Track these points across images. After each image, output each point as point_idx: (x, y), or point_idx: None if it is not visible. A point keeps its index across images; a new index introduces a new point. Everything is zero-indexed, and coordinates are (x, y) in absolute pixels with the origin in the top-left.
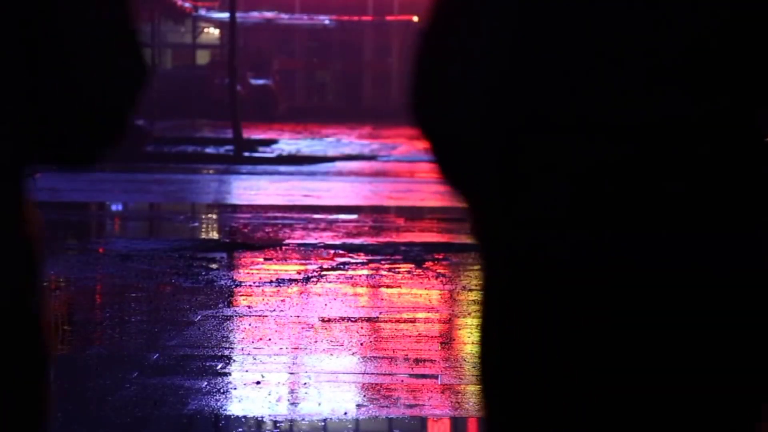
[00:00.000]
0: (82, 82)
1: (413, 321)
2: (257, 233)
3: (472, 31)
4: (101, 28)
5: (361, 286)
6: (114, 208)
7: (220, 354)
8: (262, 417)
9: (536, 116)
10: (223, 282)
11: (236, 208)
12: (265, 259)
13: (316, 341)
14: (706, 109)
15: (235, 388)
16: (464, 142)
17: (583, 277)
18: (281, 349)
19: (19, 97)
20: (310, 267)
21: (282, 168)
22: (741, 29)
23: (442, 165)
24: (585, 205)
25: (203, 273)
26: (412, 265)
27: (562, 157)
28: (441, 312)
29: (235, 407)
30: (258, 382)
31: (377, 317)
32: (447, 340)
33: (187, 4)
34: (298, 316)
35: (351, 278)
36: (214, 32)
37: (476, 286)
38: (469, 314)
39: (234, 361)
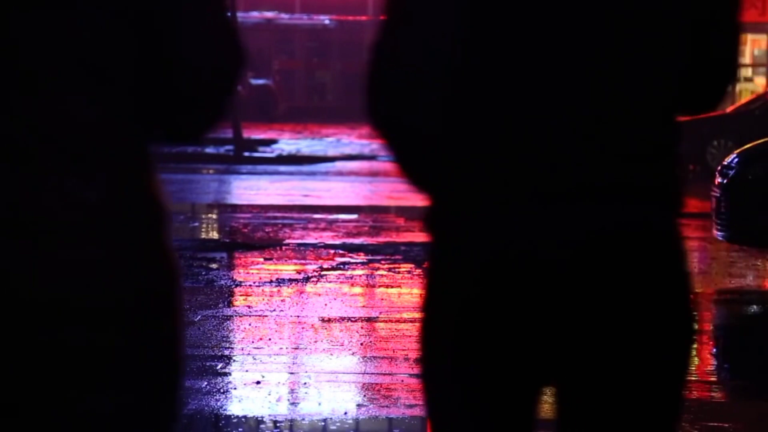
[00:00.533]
0: (189, 68)
1: (413, 321)
2: (257, 233)
3: (415, 39)
4: (204, 19)
5: (361, 286)
6: None
7: (220, 354)
8: (262, 417)
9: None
10: (223, 282)
11: (236, 208)
12: (265, 259)
13: (315, 341)
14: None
15: (235, 388)
16: (417, 136)
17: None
18: (281, 349)
19: (137, 85)
20: (310, 267)
21: (282, 168)
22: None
23: (400, 159)
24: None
25: (203, 273)
26: (412, 265)
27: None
28: None
29: (235, 407)
30: (258, 382)
31: (377, 317)
32: None
33: None
34: (298, 316)
35: (351, 278)
36: None
37: None
38: None
39: (234, 361)
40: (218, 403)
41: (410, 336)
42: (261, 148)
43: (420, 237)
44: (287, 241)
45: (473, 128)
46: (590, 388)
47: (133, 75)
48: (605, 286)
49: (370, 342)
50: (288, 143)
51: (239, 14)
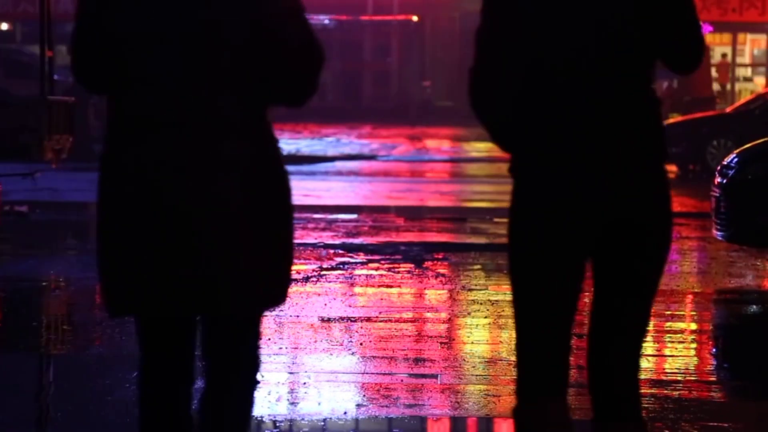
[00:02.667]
0: (295, 54)
1: (413, 321)
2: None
3: (498, 59)
4: (301, 19)
5: (361, 286)
6: None
7: None
8: (262, 417)
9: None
10: None
11: None
12: None
13: (315, 341)
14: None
15: None
16: (505, 120)
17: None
18: (281, 349)
19: (257, 67)
20: (309, 267)
21: None
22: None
23: (494, 135)
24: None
25: None
26: (412, 265)
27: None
28: (441, 312)
29: None
30: (258, 382)
31: (377, 317)
32: (447, 340)
33: None
34: (298, 316)
35: (351, 278)
36: None
37: (476, 285)
38: (469, 314)
39: None
40: None
41: (410, 336)
42: None
43: (420, 237)
44: None
45: (535, 116)
46: (615, 261)
47: (261, 75)
48: (620, 201)
49: (370, 342)
50: (288, 143)
51: None
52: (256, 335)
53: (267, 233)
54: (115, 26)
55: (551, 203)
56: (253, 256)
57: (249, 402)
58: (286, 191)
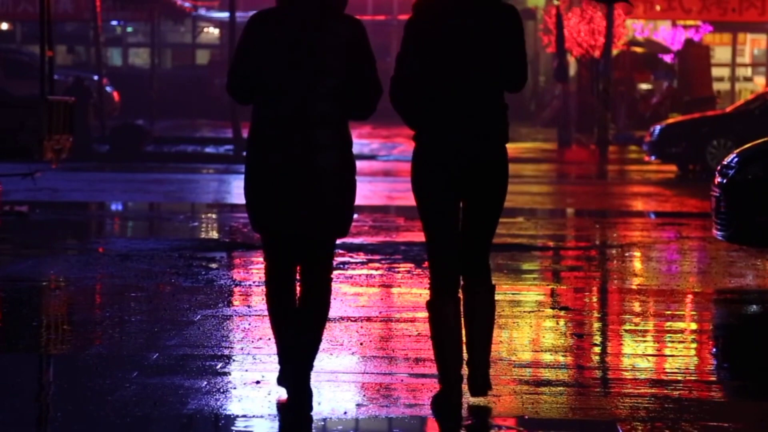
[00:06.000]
0: (369, 84)
1: (413, 321)
2: (257, 233)
3: (405, 58)
4: (369, 60)
5: (361, 286)
6: (114, 208)
7: (220, 354)
8: (262, 417)
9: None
10: (223, 282)
11: (236, 208)
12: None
13: None
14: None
15: (235, 388)
16: (409, 108)
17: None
18: None
19: (345, 87)
20: None
21: None
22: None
23: (404, 118)
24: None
25: (203, 273)
26: (412, 265)
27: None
28: None
29: (235, 407)
30: (258, 382)
31: (377, 317)
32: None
33: (187, 4)
34: None
35: (350, 278)
36: (214, 32)
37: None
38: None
39: (234, 361)
40: (218, 403)
41: (410, 336)
42: None
43: (420, 237)
44: None
45: (424, 103)
46: (476, 201)
47: (345, 86)
48: (477, 165)
49: (370, 342)
50: None
51: (239, 14)
52: (332, 252)
53: (344, 188)
54: (260, 62)
55: (435, 158)
56: (335, 202)
57: (329, 286)
58: (353, 162)
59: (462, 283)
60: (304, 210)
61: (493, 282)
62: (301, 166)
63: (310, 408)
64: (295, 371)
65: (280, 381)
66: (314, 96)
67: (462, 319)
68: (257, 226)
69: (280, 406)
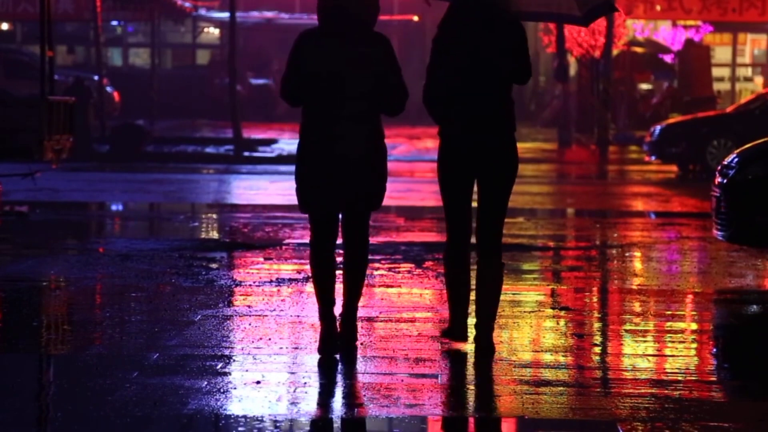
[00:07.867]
0: (396, 88)
1: (413, 321)
2: (257, 233)
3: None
4: (399, 72)
5: None
6: (114, 208)
7: (220, 354)
8: (262, 417)
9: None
10: (223, 282)
11: (236, 208)
12: (265, 259)
13: (315, 341)
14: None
15: (235, 388)
16: (438, 107)
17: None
18: (281, 349)
19: (378, 91)
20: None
21: (282, 168)
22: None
23: (433, 116)
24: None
25: (203, 273)
26: (412, 265)
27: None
28: (441, 312)
29: (235, 407)
30: (258, 382)
31: (377, 317)
32: (447, 340)
33: (187, 4)
34: (298, 316)
35: None
36: (214, 32)
37: (475, 285)
38: (469, 314)
39: (234, 361)
40: (218, 403)
41: (410, 336)
42: (261, 148)
43: (420, 237)
44: (287, 240)
45: (448, 103)
46: (488, 180)
47: (377, 91)
48: (488, 148)
49: (370, 342)
50: (288, 143)
51: (239, 14)
52: (368, 222)
53: (377, 169)
54: (307, 71)
55: (456, 148)
56: (370, 182)
57: (366, 252)
58: (385, 150)
59: (477, 259)
60: (346, 190)
61: None
62: (344, 152)
63: (355, 338)
64: (346, 311)
65: (328, 325)
66: (351, 98)
67: (474, 282)
68: (305, 208)
69: (327, 338)
